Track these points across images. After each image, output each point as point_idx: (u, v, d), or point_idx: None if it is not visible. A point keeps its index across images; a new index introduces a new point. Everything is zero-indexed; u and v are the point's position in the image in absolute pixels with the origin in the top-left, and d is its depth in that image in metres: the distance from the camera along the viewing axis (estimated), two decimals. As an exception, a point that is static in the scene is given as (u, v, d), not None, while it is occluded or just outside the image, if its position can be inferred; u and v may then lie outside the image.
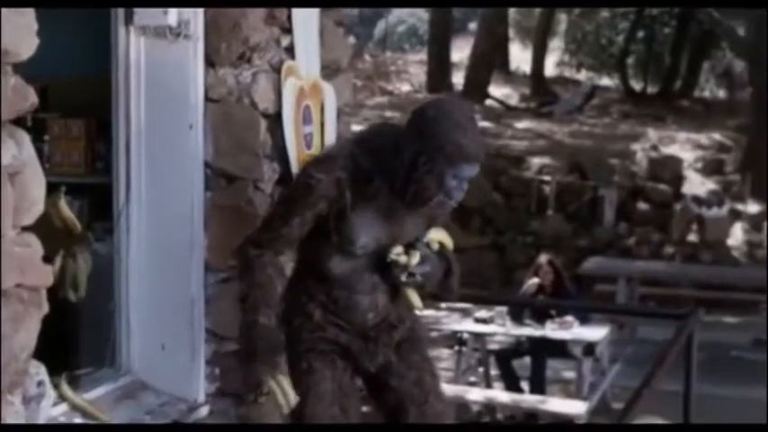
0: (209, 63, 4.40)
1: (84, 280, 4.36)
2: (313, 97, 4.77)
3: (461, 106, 3.97)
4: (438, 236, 4.01)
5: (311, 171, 3.80)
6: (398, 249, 3.85)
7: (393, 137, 3.86)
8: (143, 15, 4.34)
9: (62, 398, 4.03)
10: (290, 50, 4.69)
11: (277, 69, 4.58)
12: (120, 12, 4.37)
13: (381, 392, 4.09)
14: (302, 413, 3.84)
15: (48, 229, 3.44)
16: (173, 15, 4.26)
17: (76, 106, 5.45)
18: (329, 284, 3.94)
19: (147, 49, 4.40)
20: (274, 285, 3.83)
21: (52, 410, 3.82)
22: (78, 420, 4.03)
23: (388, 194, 3.82)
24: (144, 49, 4.41)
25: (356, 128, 5.38)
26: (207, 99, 4.40)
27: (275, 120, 4.53)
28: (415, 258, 3.85)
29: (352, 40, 25.08)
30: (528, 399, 9.68)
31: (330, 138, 4.87)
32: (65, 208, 4.29)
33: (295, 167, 4.56)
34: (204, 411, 4.45)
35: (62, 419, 3.98)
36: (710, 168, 19.58)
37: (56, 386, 3.96)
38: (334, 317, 3.95)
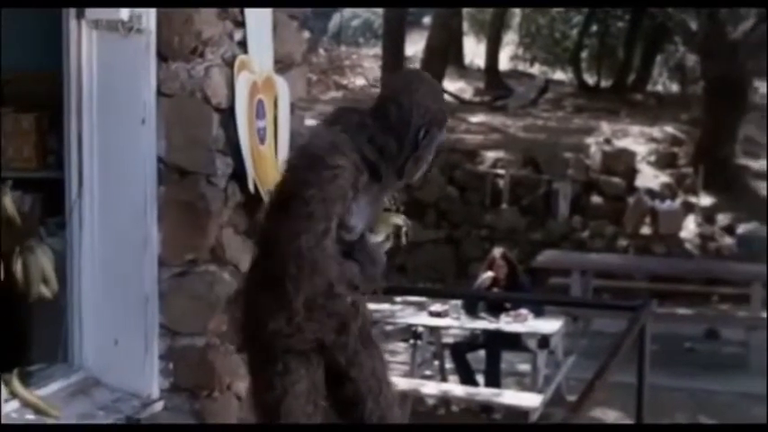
0: (162, 57, 4.38)
1: (52, 273, 4.35)
2: (266, 91, 4.75)
3: (423, 73, 4.10)
4: (398, 220, 4.06)
5: (329, 161, 3.62)
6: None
7: (371, 118, 3.85)
8: (95, 9, 4.32)
9: (13, 394, 4.01)
10: (243, 44, 4.68)
11: (230, 63, 4.57)
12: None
13: (340, 384, 4.03)
14: (278, 412, 3.80)
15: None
16: (124, 9, 4.24)
17: (29, 101, 5.41)
18: None
19: (99, 43, 4.38)
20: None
21: (4, 407, 3.80)
22: (30, 417, 4.01)
23: (386, 180, 3.84)
24: (96, 43, 4.39)
25: (310, 122, 5.37)
26: (159, 93, 4.38)
27: (228, 114, 4.52)
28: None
29: (306, 34, 25.07)
30: (483, 392, 9.71)
31: (283, 132, 4.86)
32: (8, 203, 4.26)
33: (248, 162, 4.55)
34: (158, 407, 4.44)
35: (14, 416, 3.96)
36: (664, 161, 19.66)
37: (6, 383, 3.94)
38: (313, 313, 3.81)
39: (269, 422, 3.86)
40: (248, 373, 4.00)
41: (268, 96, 4.77)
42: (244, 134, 4.55)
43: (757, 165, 21.02)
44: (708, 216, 17.98)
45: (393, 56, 26.38)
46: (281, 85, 4.93)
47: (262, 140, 4.69)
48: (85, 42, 4.39)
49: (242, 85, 4.57)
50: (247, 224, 4.71)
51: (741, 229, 17.33)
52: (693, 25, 21.07)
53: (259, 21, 4.76)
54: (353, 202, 3.69)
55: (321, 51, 28.92)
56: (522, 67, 30.62)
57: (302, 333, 3.80)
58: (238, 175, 4.57)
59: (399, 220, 4.07)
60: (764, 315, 12.85)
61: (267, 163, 4.70)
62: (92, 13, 4.32)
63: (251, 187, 4.59)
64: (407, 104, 3.80)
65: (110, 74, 4.37)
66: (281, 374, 3.81)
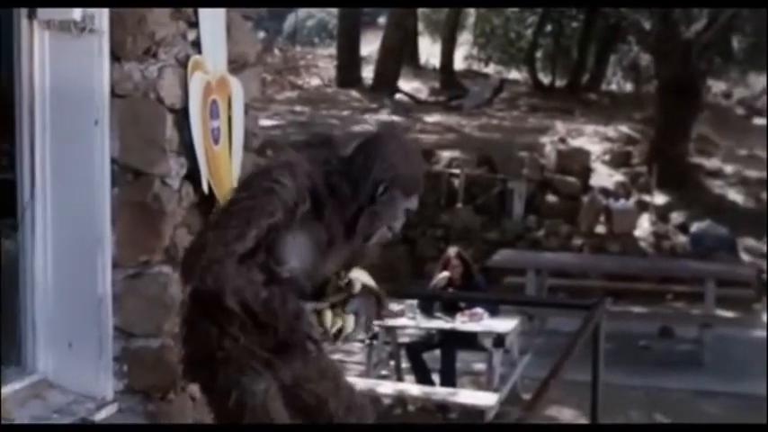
0: (115, 58, 4.36)
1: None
2: (220, 92, 4.74)
3: (408, 137, 4.04)
4: (361, 276, 3.88)
5: (276, 174, 3.57)
6: (327, 312, 3.69)
7: (338, 159, 3.79)
8: (47, 9, 4.29)
9: (-33, 398, 3.99)
10: (197, 45, 4.66)
11: (183, 64, 4.55)
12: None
13: (298, 395, 4.01)
14: (258, 416, 3.77)
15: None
16: (77, 9, 4.22)
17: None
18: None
19: (52, 43, 4.36)
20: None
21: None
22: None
23: (329, 221, 3.72)
24: (48, 43, 4.36)
25: (264, 122, 5.36)
26: (113, 94, 4.36)
27: (182, 115, 4.50)
28: (348, 325, 3.73)
29: (260, 34, 25.00)
30: (439, 391, 9.72)
31: (237, 132, 4.85)
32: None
33: (202, 162, 4.53)
34: (113, 409, 4.42)
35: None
36: (618, 160, 19.77)
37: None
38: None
39: None
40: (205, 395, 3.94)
41: (222, 96, 4.76)
42: (197, 134, 4.53)
43: (710, 163, 21.19)
44: (662, 215, 18.10)
45: (348, 56, 26.42)
46: (235, 85, 4.92)
47: (216, 141, 4.68)
48: (37, 43, 4.36)
49: (196, 85, 4.55)
50: (202, 224, 4.70)
51: (695, 227, 17.46)
52: (647, 25, 21.19)
53: (213, 21, 4.75)
54: (288, 231, 3.62)
55: (276, 51, 28.89)
56: (477, 66, 30.73)
57: (245, 349, 3.76)
58: (192, 175, 4.55)
59: (345, 321, 3.76)
60: (718, 313, 12.95)
61: (221, 163, 4.69)
62: (44, 13, 4.30)
63: (205, 188, 4.58)
64: (373, 156, 3.75)
65: (62, 75, 4.35)
66: (243, 394, 3.76)
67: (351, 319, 3.72)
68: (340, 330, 3.70)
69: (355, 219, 3.73)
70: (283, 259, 3.64)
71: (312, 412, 4.06)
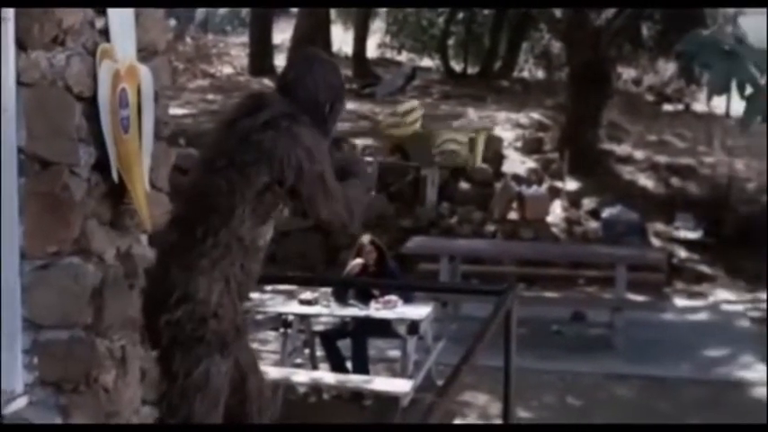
0: (21, 46, 4.29)
1: None
2: (129, 80, 4.70)
3: (319, 51, 4.54)
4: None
5: (321, 146, 4.14)
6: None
7: (285, 101, 4.22)
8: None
9: None
10: (105, 33, 4.62)
11: (92, 52, 4.50)
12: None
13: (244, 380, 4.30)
14: (214, 394, 4.01)
15: None
16: (-21, -3, 4.16)
17: None
18: (253, 262, 4.11)
19: (-45, 31, 4.28)
20: None
21: None
22: None
23: None
24: (-48, 31, 4.29)
25: (176, 111, 5.32)
26: (19, 83, 4.30)
27: (91, 103, 4.45)
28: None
29: (172, 22, 24.80)
30: (353, 379, 9.75)
31: (147, 121, 4.80)
32: None
33: (112, 151, 4.49)
34: (22, 402, 4.37)
35: None
36: (530, 147, 19.89)
37: None
38: (244, 297, 4.12)
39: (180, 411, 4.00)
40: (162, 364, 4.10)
41: (131, 85, 4.72)
42: (107, 123, 4.49)
43: (621, 149, 21.43)
44: (573, 200, 18.27)
45: (260, 44, 26.33)
46: (145, 73, 4.87)
47: (125, 130, 4.63)
48: (-59, 31, 4.29)
49: (104, 73, 4.51)
50: (112, 213, 4.66)
51: (606, 212, 17.64)
52: (558, 12, 21.35)
53: (121, 9, 4.70)
54: None
55: (188, 40, 28.68)
56: (389, 54, 30.78)
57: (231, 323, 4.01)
58: (102, 164, 4.51)
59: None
60: (628, 297, 13.11)
61: (131, 152, 4.65)
62: (-54, 1, 4.23)
63: (114, 177, 4.54)
64: (312, 84, 4.23)
65: (-33, 63, 4.28)
66: (210, 366, 3.98)
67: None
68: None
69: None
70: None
71: (236, 387, 4.23)
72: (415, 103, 6.52)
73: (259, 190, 3.97)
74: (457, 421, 9.51)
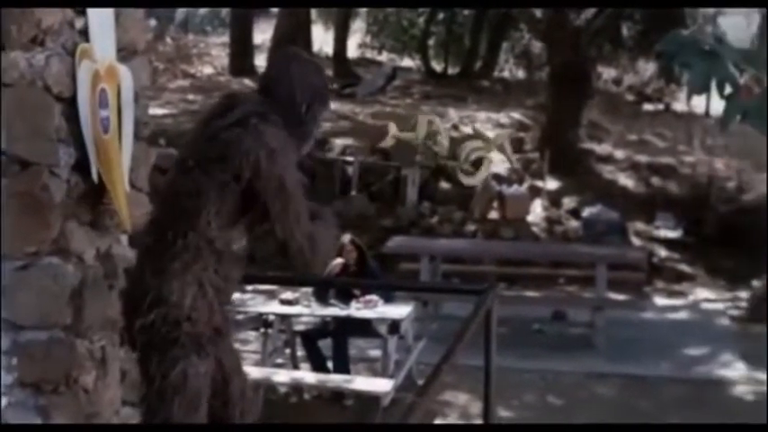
0: (0, 46, 4.29)
1: None
2: (109, 80, 4.69)
3: (301, 51, 4.39)
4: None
5: (287, 150, 3.99)
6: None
7: (260, 100, 4.14)
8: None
9: None
10: (85, 33, 4.60)
11: (71, 52, 4.49)
12: None
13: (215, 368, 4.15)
14: (193, 397, 3.96)
15: None
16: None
17: None
18: (229, 266, 4.06)
19: (-67, 31, 4.27)
20: None
21: None
22: None
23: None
24: (-71, 32, 4.28)
25: (156, 111, 5.32)
26: (-2, 83, 4.29)
27: (70, 104, 4.44)
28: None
29: (152, 22, 24.75)
30: (334, 378, 9.75)
31: (127, 122, 4.80)
32: None
33: (92, 152, 4.48)
34: (2, 403, 4.36)
35: None
36: (510, 147, 19.91)
37: None
38: (223, 302, 4.05)
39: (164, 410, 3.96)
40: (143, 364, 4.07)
41: (111, 85, 4.71)
42: (86, 124, 4.48)
43: (601, 149, 21.47)
44: (554, 200, 18.30)
45: (241, 44, 26.31)
46: (125, 73, 4.86)
47: (105, 130, 4.62)
48: None
49: (84, 73, 4.49)
50: (92, 214, 4.65)
51: (586, 212, 17.68)
52: (538, 12, 21.38)
53: (100, 9, 4.69)
54: None
55: (168, 40, 28.63)
56: (370, 54, 30.77)
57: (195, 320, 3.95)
58: (81, 165, 4.50)
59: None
60: (609, 296, 13.15)
61: (111, 153, 4.64)
62: (-76, 1, 4.22)
63: (94, 177, 4.53)
64: (288, 83, 4.11)
65: (-55, 64, 4.27)
66: (190, 367, 3.94)
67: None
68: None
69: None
70: None
71: (219, 390, 4.17)
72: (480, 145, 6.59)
73: (220, 188, 3.93)
74: (438, 421, 9.53)
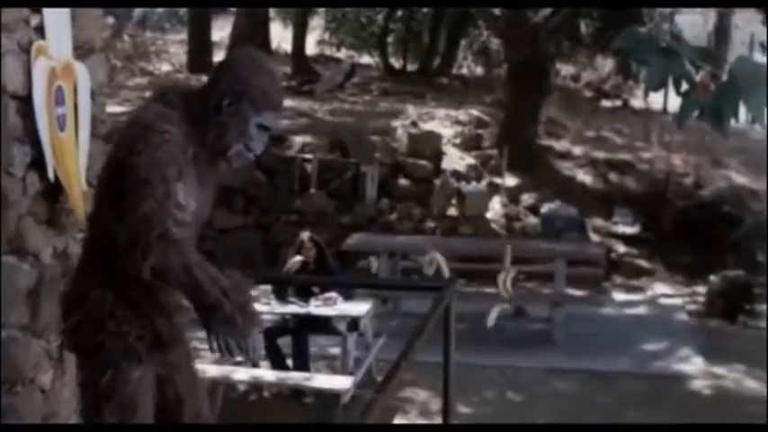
0: (-46, 44, 4.26)
1: None
2: (65, 78, 4.67)
3: (266, 57, 4.02)
4: None
5: (156, 127, 3.57)
6: None
7: (194, 90, 3.90)
8: None
9: None
10: (41, 30, 4.58)
11: (26, 50, 4.47)
12: None
13: (162, 386, 3.97)
14: (125, 403, 3.77)
15: None
16: None
17: None
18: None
19: None
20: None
21: None
22: None
23: (196, 150, 3.71)
24: None
25: (114, 109, 5.30)
26: (-48, 81, 4.26)
27: (26, 102, 4.42)
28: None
29: (109, 19, 24.61)
30: (294, 376, 9.74)
31: (84, 119, 4.77)
32: None
33: (48, 150, 4.46)
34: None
35: None
36: (469, 144, 19.92)
37: None
38: (154, 304, 3.81)
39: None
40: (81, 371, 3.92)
41: (67, 83, 4.69)
42: (42, 122, 4.46)
43: (560, 145, 21.53)
44: (512, 196, 18.33)
45: (199, 41, 26.19)
46: (81, 71, 4.84)
47: (62, 128, 4.60)
48: None
49: (39, 71, 4.47)
50: (48, 212, 4.62)
51: (545, 208, 17.73)
52: (496, 10, 21.41)
53: (57, 6, 4.67)
54: (182, 177, 3.59)
55: (126, 37, 28.44)
56: (328, 51, 30.70)
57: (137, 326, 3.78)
58: (38, 163, 4.48)
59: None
60: (568, 291, 13.19)
61: (67, 150, 4.62)
62: None
63: (51, 176, 4.51)
64: (222, 71, 3.84)
65: None
66: (122, 371, 3.76)
67: None
68: None
69: (207, 133, 3.74)
70: (184, 205, 3.58)
71: (169, 409, 4.00)
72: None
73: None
74: (398, 417, 9.53)
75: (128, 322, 3.76)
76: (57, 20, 4.67)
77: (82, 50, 4.96)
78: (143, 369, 3.81)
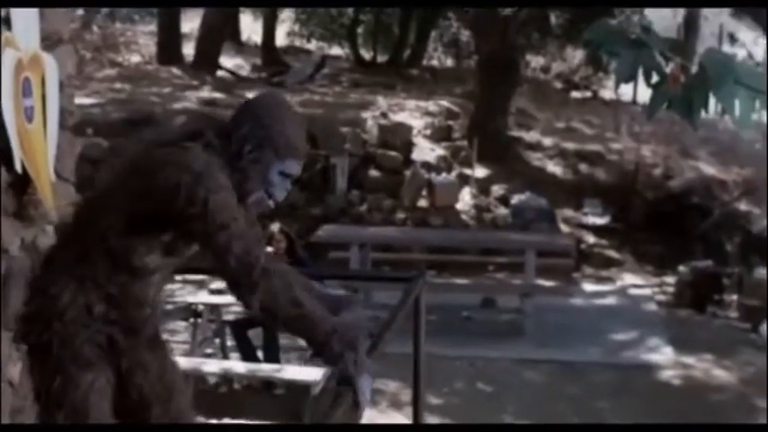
0: None
1: None
2: (33, 69, 4.64)
3: (288, 102, 3.97)
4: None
5: (208, 171, 3.55)
6: None
7: (221, 127, 3.79)
8: None
9: None
10: (7, 21, 4.55)
11: (-7, 41, 4.44)
12: None
13: (124, 389, 3.93)
14: (77, 409, 3.71)
15: None
16: None
17: None
18: (127, 277, 3.77)
19: None
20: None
21: None
22: None
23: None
24: None
25: (83, 100, 5.27)
26: None
27: (-7, 94, 4.39)
28: None
29: (79, 11, 24.49)
30: (264, 368, 9.74)
31: (52, 111, 4.74)
32: None
33: (15, 142, 4.43)
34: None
35: None
36: (439, 135, 19.95)
37: None
38: (114, 310, 3.78)
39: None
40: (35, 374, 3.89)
41: (35, 74, 4.66)
42: (9, 113, 4.42)
43: (529, 136, 21.58)
44: (483, 187, 18.37)
45: (168, 33, 26.11)
46: (49, 62, 4.81)
47: (29, 119, 4.57)
48: None
49: (6, 62, 4.44)
50: (16, 204, 4.60)
51: (515, 199, 17.79)
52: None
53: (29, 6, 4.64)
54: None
55: (95, 28, 28.32)
56: (298, 42, 30.68)
57: (101, 325, 3.76)
58: (5, 155, 4.45)
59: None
60: (538, 282, 13.23)
61: (35, 142, 4.59)
62: None
63: (18, 168, 4.47)
64: (241, 115, 3.78)
65: None
66: (82, 367, 3.72)
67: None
68: None
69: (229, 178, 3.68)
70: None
71: (133, 409, 3.97)
72: None
73: (132, 198, 3.74)
74: (367, 409, 9.53)
75: (75, 325, 3.72)
76: (24, 11, 4.64)
77: (50, 41, 4.92)
78: (95, 373, 3.75)
